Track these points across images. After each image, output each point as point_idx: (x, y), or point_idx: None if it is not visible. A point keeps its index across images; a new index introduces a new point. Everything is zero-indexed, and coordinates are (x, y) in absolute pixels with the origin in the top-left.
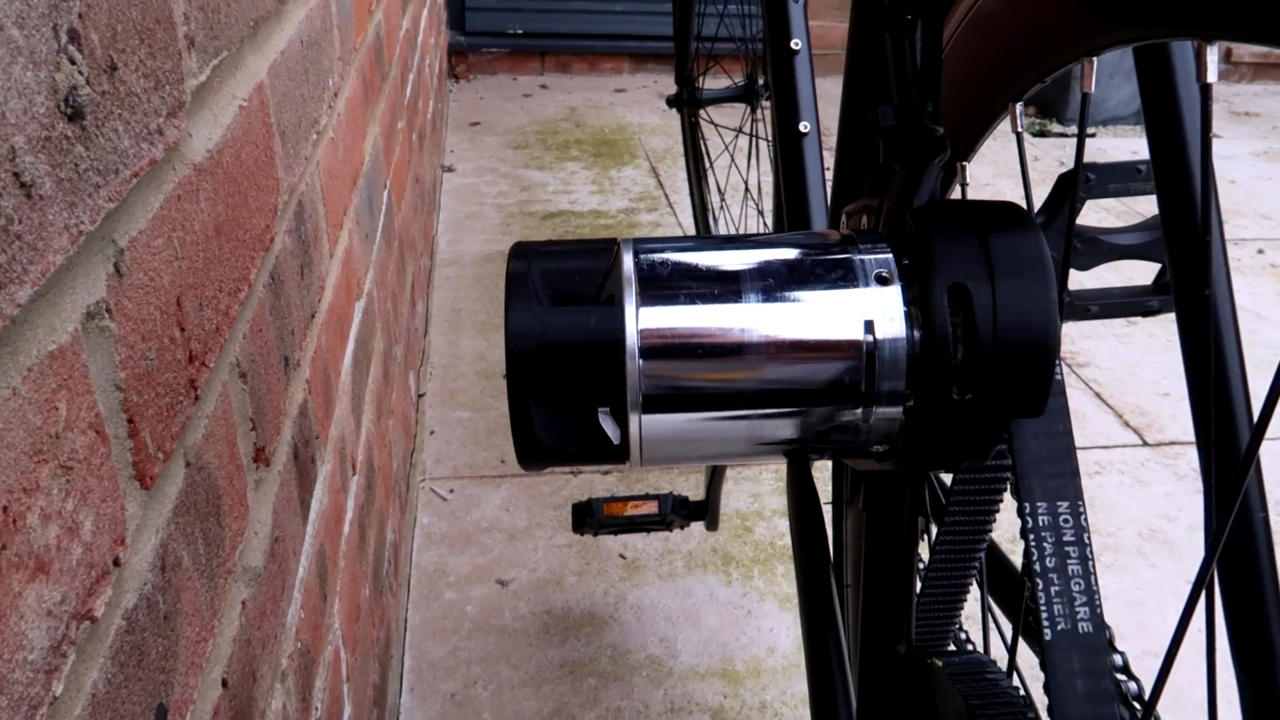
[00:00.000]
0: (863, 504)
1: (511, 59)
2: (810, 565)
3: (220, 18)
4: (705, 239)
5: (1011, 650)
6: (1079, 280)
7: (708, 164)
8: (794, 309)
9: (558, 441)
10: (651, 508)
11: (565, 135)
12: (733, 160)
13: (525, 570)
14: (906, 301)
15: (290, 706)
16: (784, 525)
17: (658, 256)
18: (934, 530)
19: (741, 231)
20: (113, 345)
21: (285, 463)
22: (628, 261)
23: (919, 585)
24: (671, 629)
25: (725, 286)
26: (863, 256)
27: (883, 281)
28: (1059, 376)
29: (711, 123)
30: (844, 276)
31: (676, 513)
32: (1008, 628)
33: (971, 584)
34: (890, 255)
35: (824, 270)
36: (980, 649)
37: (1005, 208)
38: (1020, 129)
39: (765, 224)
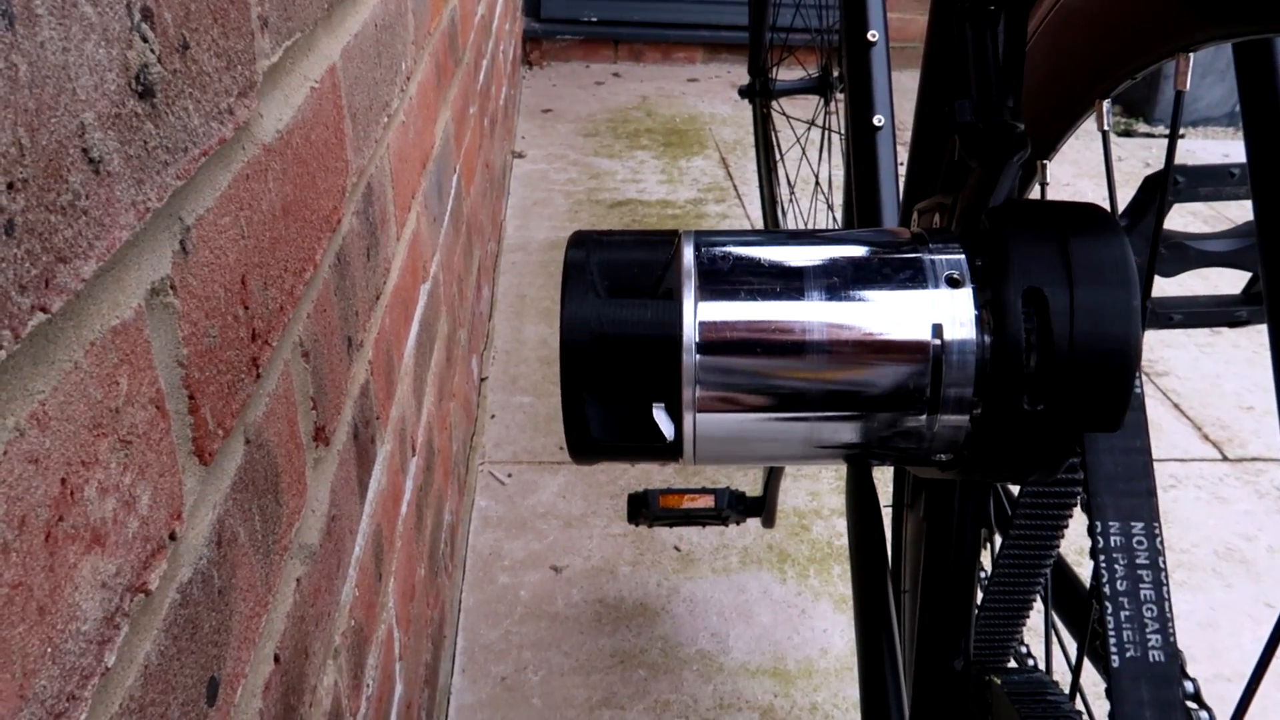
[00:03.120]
0: (923, 511)
1: (585, 47)
2: (867, 570)
3: (295, 0)
4: (769, 233)
5: (1075, 671)
6: (1162, 287)
7: (778, 156)
8: (859, 308)
9: (610, 435)
10: (708, 502)
11: (636, 124)
12: (804, 153)
13: (580, 558)
14: (978, 305)
15: (342, 683)
16: (842, 525)
17: (719, 250)
18: (998, 541)
19: (810, 227)
20: (176, 322)
21: (345, 442)
22: (688, 254)
23: (980, 597)
24: (724, 624)
25: (788, 283)
26: (933, 256)
27: (953, 283)
28: (1138, 390)
29: (784, 114)
30: (913, 276)
31: (733, 508)
32: (1071, 645)
33: (1035, 599)
34: (963, 256)
35: (892, 269)
36: (1042, 667)
37: (1087, 209)
38: (1107, 127)
39: (835, 219)
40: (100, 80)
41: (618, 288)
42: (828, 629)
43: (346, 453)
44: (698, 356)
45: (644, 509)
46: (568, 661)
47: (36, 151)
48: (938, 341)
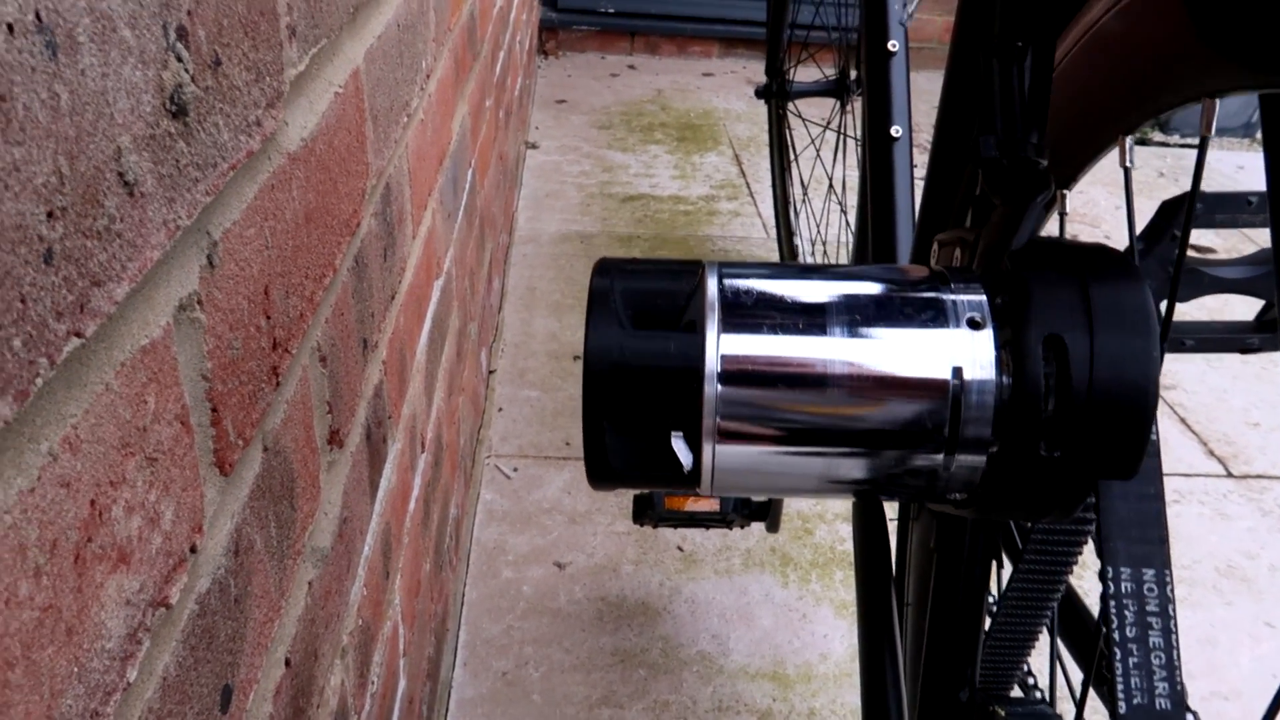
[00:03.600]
0: (933, 541)
1: (601, 37)
2: (871, 583)
3: (321, 5)
4: (791, 267)
5: (1080, 702)
6: (1176, 311)
7: (793, 157)
8: (880, 346)
9: (629, 464)
10: (713, 504)
11: (650, 117)
12: (818, 155)
13: (583, 554)
14: (998, 345)
15: (348, 682)
16: (846, 530)
17: (742, 283)
18: (1007, 568)
19: (822, 230)
20: (202, 336)
21: (358, 444)
22: (711, 286)
23: (987, 623)
24: (725, 626)
25: (810, 318)
26: (955, 297)
27: (974, 325)
28: (1154, 438)
29: (799, 116)
30: (934, 317)
31: (738, 511)
32: (1076, 673)
33: (1042, 629)
34: (984, 297)
35: (914, 309)
36: (1047, 695)
37: (1108, 254)
38: (1129, 164)
39: (848, 222)
40: (136, 103)
41: (641, 318)
42: (828, 634)
43: (359, 454)
44: (719, 388)
45: (649, 510)
46: (568, 658)
47: (75, 179)
48: (957, 382)
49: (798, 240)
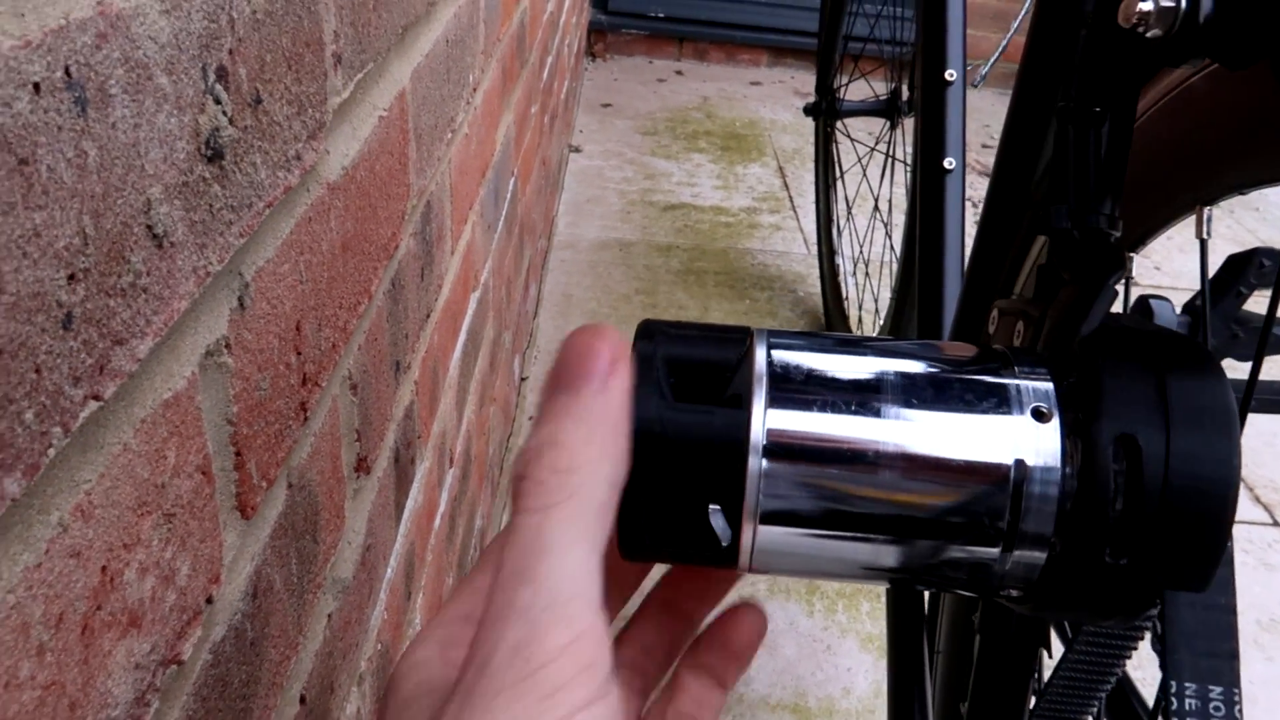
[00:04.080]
0: (979, 624)
1: (650, 42)
2: (902, 633)
3: (370, 30)
4: (845, 339)
5: None
6: (1236, 369)
7: (838, 174)
8: (937, 430)
9: (665, 538)
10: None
11: (695, 125)
12: (864, 174)
13: None
14: (1064, 436)
15: (364, 709)
16: None
17: (792, 355)
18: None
19: (865, 255)
20: (228, 380)
21: (385, 468)
22: (760, 357)
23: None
24: None
25: (864, 396)
26: (1019, 382)
27: (1039, 415)
28: (1229, 544)
29: (847, 135)
30: (997, 403)
31: None
32: None
33: None
34: (1050, 385)
35: (975, 392)
36: None
37: (1187, 345)
38: (1206, 236)
39: (892, 245)
40: (170, 151)
41: (685, 387)
42: (852, 667)
43: (386, 478)
44: (764, 463)
45: None
46: None
47: (100, 237)
48: (1020, 473)
49: (839, 260)
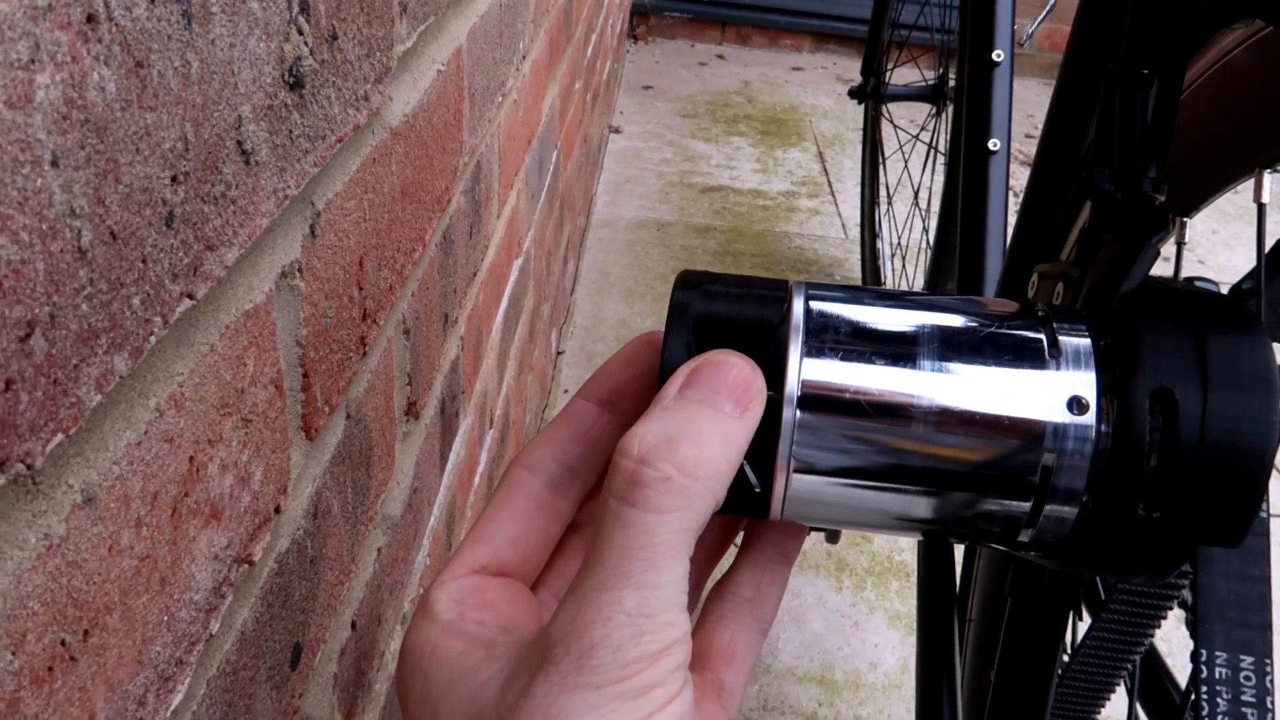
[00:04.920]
0: (1009, 586)
1: (692, 25)
2: (933, 601)
3: None
4: (882, 293)
5: None
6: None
7: (882, 159)
8: (973, 383)
9: None
10: None
11: (735, 109)
12: (905, 164)
13: None
14: (1100, 392)
15: None
16: (904, 540)
17: (830, 306)
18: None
19: (903, 240)
20: (299, 304)
21: (432, 417)
22: (798, 307)
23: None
24: (775, 627)
25: (900, 348)
26: (1058, 338)
27: (1076, 369)
28: (1265, 515)
29: (891, 122)
30: (1033, 358)
31: None
32: None
33: (1118, 687)
34: (1089, 340)
35: (1012, 346)
36: None
37: (1228, 304)
38: (1265, 199)
39: (927, 234)
40: (258, 74)
41: (720, 335)
42: (879, 643)
43: (433, 426)
44: (798, 413)
45: None
46: None
47: (199, 145)
48: (1054, 427)
49: (880, 244)
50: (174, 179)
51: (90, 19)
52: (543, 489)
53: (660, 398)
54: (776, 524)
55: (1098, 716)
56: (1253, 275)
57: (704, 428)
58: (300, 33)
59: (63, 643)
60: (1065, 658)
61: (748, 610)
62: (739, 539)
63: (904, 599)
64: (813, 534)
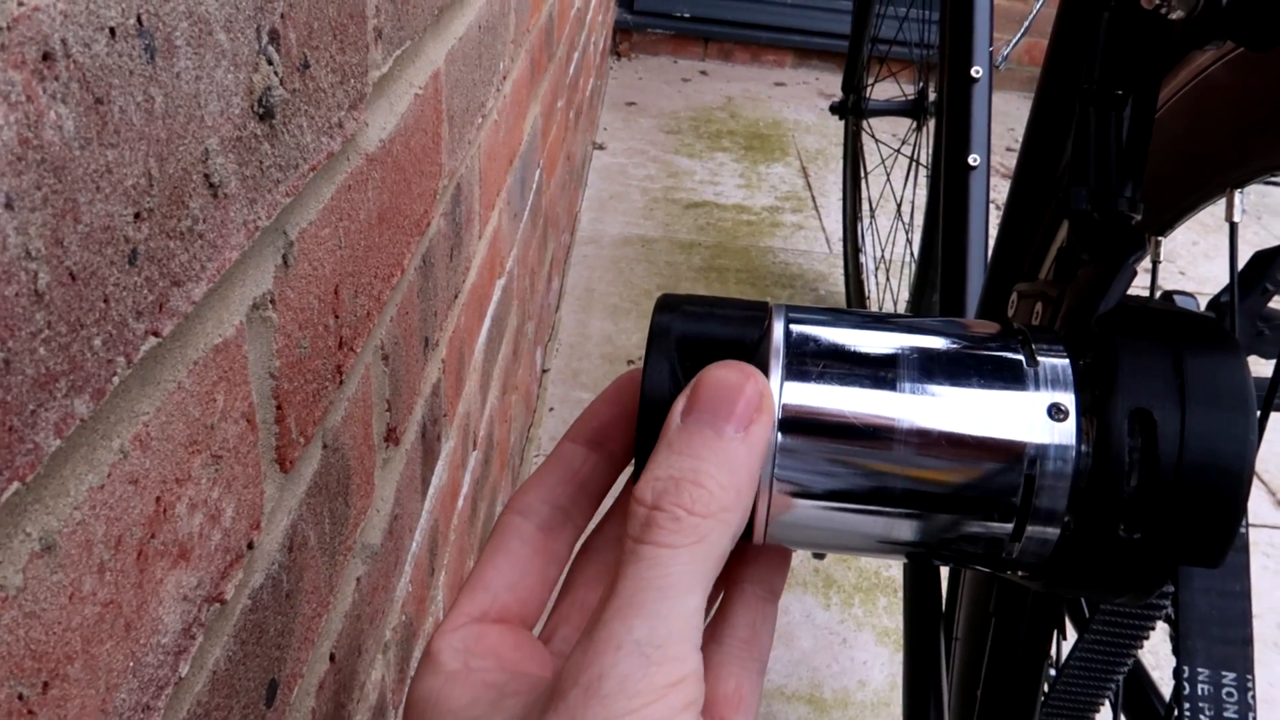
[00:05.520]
0: (993, 605)
1: (675, 41)
2: (919, 620)
3: (409, 8)
4: (862, 315)
5: None
6: (1261, 367)
7: (864, 174)
8: (953, 405)
9: None
10: None
11: (719, 125)
12: (888, 178)
13: None
14: (1079, 413)
15: (388, 677)
16: None
17: (810, 330)
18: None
19: (888, 257)
20: (272, 335)
21: (413, 442)
22: (777, 330)
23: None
24: None
25: (880, 371)
26: (1037, 358)
27: (1055, 390)
28: (1244, 530)
29: (872, 135)
30: (1012, 380)
31: None
32: None
33: (1103, 705)
34: (1067, 361)
35: (991, 368)
36: None
37: (1204, 323)
38: (1237, 219)
39: (911, 249)
40: (226, 105)
41: (701, 359)
42: (868, 660)
43: (414, 452)
44: (779, 437)
45: None
46: None
47: (163, 180)
48: (1034, 449)
49: (863, 258)
50: (137, 216)
51: (46, 57)
52: (536, 532)
53: (665, 430)
54: (761, 560)
55: None
56: (1228, 289)
57: (707, 464)
58: (270, 62)
59: (20, 696)
60: (1052, 672)
61: (746, 651)
62: None
63: (892, 615)
64: (800, 551)
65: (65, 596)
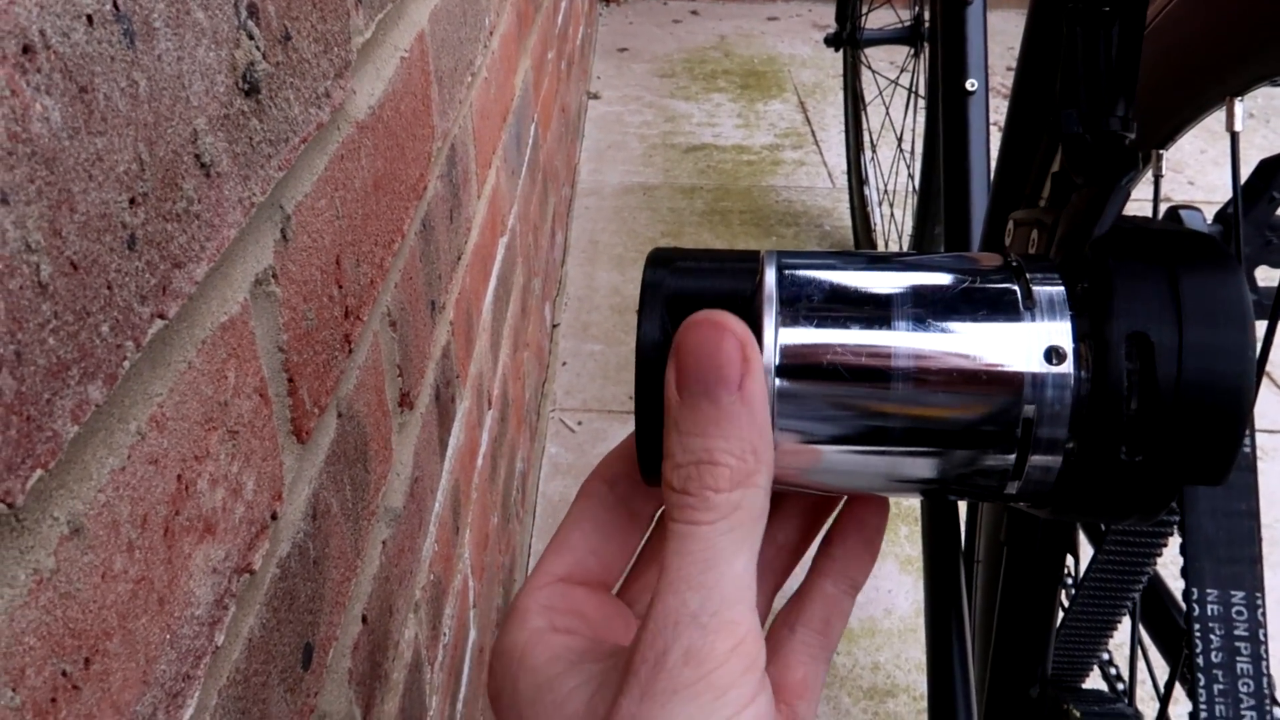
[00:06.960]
0: (1004, 535)
1: None
2: (939, 551)
3: None
4: (854, 255)
5: (1164, 700)
6: (1271, 276)
7: (863, 106)
8: (949, 339)
9: None
10: None
11: (713, 65)
12: (887, 109)
13: None
14: (1076, 339)
15: (421, 635)
16: None
17: (802, 274)
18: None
19: (890, 189)
20: (277, 309)
21: (427, 405)
22: (770, 277)
23: (1060, 616)
24: (788, 581)
25: (874, 310)
26: (1031, 288)
27: (1051, 318)
28: (1248, 449)
29: (869, 68)
30: (1007, 309)
31: None
32: (1160, 665)
33: (1121, 620)
34: (1062, 288)
35: (985, 300)
36: (1127, 684)
37: (1200, 240)
38: (1238, 128)
39: (912, 178)
40: (211, 84)
41: (695, 309)
42: (892, 589)
43: (429, 414)
44: (777, 382)
45: None
46: None
47: (155, 164)
48: (1032, 378)
49: (868, 191)
50: (132, 201)
51: (27, 49)
52: (619, 500)
53: (667, 408)
54: (847, 553)
55: (1104, 648)
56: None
57: (716, 439)
58: (251, 37)
59: (64, 673)
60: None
61: (817, 643)
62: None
63: (914, 544)
64: None
65: (98, 576)
